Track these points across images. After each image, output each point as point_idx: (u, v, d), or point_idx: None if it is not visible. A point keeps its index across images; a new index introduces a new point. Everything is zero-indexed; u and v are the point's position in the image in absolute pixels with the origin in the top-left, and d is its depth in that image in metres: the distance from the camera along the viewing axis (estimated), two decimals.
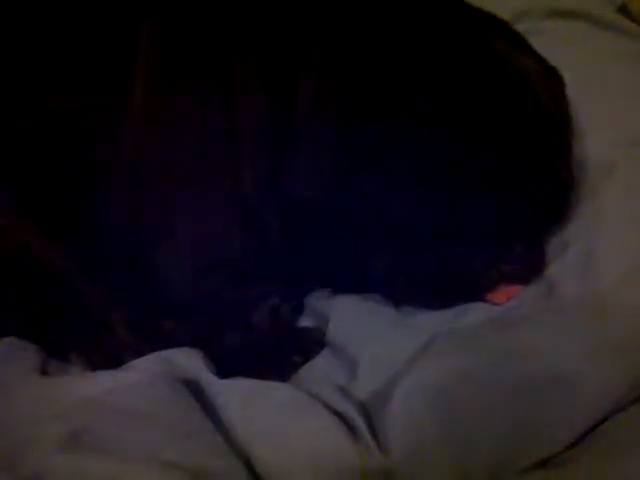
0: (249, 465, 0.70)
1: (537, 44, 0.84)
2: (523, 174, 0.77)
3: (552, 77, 0.81)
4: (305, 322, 0.89)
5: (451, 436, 0.69)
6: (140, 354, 0.81)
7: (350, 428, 0.72)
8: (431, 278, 0.81)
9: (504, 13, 0.87)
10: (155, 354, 0.80)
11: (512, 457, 0.70)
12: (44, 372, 0.82)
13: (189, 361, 0.79)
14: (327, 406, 0.74)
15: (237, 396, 0.75)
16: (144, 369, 0.78)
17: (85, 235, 0.83)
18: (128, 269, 0.84)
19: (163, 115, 0.80)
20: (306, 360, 0.84)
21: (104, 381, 0.76)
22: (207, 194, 0.81)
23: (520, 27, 0.88)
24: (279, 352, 0.85)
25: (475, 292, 0.82)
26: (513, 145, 0.76)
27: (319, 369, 0.82)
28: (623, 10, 1.13)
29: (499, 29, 0.82)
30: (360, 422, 0.72)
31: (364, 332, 0.83)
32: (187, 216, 0.82)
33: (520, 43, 0.82)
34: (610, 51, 1.02)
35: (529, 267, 0.82)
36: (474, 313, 0.81)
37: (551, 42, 0.88)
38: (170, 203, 0.82)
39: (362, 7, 0.80)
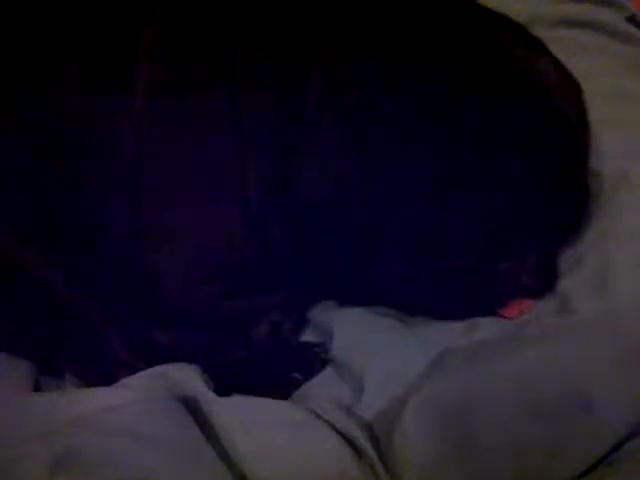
0: None
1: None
2: (542, 183, 0.76)
3: (570, 83, 0.80)
4: (308, 337, 0.87)
5: (466, 457, 0.68)
6: (135, 370, 0.79)
7: (355, 449, 0.70)
8: (445, 288, 0.79)
9: (517, 19, 0.85)
10: (150, 370, 0.78)
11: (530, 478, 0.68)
12: (36, 389, 0.81)
13: (186, 377, 0.77)
14: (330, 426, 0.72)
15: (236, 415, 0.73)
16: (139, 386, 0.76)
17: (82, 245, 0.81)
18: (124, 277, 0.82)
19: (165, 114, 0.79)
20: (308, 377, 0.82)
21: (98, 398, 0.74)
22: (208, 196, 0.80)
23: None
24: (280, 369, 0.84)
25: (490, 304, 0.80)
26: (532, 153, 0.75)
27: (322, 387, 0.80)
28: (632, 20, 1.12)
29: (517, 33, 0.81)
30: (366, 443, 0.71)
31: (370, 348, 0.81)
32: (186, 218, 0.80)
33: (538, 47, 0.81)
34: (621, 61, 1.02)
35: (542, 280, 0.80)
36: (486, 327, 0.79)
37: (563, 50, 0.87)
38: (169, 203, 0.80)
39: (377, 5, 0.79)
